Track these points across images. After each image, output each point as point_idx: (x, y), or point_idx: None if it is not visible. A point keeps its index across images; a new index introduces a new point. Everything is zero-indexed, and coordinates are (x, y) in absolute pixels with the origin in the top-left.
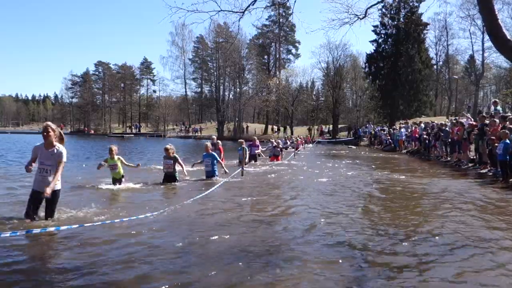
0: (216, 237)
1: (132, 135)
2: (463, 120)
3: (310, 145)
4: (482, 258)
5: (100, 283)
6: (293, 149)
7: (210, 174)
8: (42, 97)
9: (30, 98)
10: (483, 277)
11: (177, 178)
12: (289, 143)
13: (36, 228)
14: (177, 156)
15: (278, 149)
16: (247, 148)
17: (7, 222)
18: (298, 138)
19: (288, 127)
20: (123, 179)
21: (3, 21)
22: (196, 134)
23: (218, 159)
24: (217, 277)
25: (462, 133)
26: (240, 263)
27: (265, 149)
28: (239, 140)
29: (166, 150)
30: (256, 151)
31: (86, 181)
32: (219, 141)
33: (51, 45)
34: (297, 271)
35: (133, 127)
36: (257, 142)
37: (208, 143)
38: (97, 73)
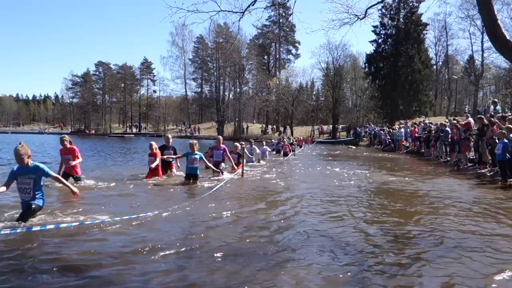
0: (215, 238)
1: (132, 135)
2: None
3: (300, 148)
4: (483, 259)
5: (97, 283)
6: (285, 152)
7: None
8: (42, 97)
9: (30, 98)
10: (484, 277)
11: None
12: (281, 144)
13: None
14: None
15: (236, 155)
16: (244, 151)
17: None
18: (286, 140)
19: (288, 126)
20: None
21: (3, 21)
22: (196, 134)
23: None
24: (216, 278)
25: (460, 133)
26: (240, 265)
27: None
28: (191, 142)
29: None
30: (220, 160)
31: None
32: (153, 143)
33: (51, 45)
34: (297, 272)
35: (133, 127)
36: (222, 145)
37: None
38: (97, 73)
